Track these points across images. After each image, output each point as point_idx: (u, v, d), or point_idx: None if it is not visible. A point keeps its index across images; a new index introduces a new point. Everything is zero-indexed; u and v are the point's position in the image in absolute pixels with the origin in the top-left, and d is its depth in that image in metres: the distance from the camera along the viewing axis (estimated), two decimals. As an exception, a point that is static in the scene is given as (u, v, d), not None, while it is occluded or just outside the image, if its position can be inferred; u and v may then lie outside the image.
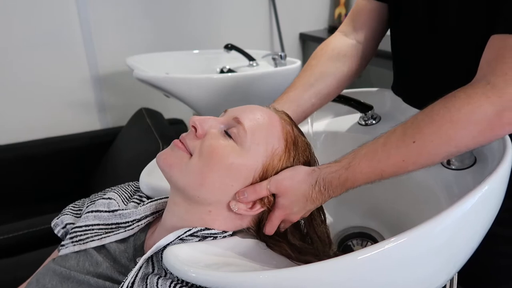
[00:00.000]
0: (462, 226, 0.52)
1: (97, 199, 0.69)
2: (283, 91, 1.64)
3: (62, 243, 0.66)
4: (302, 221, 0.65)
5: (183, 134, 0.60)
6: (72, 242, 0.64)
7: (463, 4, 0.65)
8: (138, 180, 0.75)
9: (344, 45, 0.83)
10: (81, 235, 0.64)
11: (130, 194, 0.73)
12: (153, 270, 0.56)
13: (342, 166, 0.58)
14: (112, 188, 0.74)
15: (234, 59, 1.74)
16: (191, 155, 0.58)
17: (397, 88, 0.88)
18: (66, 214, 0.71)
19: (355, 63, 0.83)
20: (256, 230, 0.62)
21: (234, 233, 0.61)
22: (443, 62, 0.73)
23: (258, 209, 0.58)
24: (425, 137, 0.54)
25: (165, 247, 0.55)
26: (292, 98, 0.76)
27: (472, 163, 0.68)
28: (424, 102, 0.57)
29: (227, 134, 0.58)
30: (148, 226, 0.66)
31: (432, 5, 0.70)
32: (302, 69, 0.82)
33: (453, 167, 0.69)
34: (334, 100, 0.85)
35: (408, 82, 0.83)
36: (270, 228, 0.60)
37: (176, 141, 0.60)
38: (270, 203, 0.59)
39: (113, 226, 0.64)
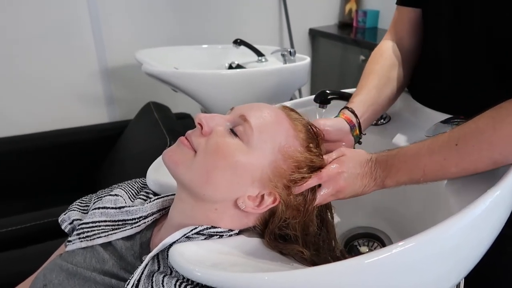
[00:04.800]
0: (472, 231, 0.51)
1: (104, 196, 0.69)
2: (291, 88, 1.62)
3: (69, 239, 0.66)
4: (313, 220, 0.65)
5: (189, 131, 0.60)
6: (79, 238, 0.64)
7: (487, 10, 0.66)
8: (144, 174, 0.75)
9: (398, 52, 0.85)
10: (88, 231, 0.64)
11: (137, 191, 0.73)
12: (159, 268, 0.55)
13: (391, 152, 0.62)
14: (119, 184, 0.74)
15: (243, 55, 1.74)
16: (195, 152, 0.57)
17: (419, 92, 0.87)
18: (73, 210, 0.72)
19: (408, 69, 0.85)
20: (263, 229, 0.61)
21: (240, 232, 0.60)
22: (467, 68, 0.73)
23: (266, 206, 0.57)
24: (467, 141, 0.56)
25: (171, 245, 0.55)
26: (370, 102, 0.77)
27: (483, 166, 0.67)
28: (449, 108, 0.58)
29: (233, 132, 0.58)
30: (154, 223, 0.66)
31: (456, 12, 0.71)
32: (366, 73, 0.82)
33: (464, 169, 0.68)
34: (345, 99, 0.84)
35: (433, 87, 0.83)
36: (318, 177, 0.60)
37: (181, 138, 0.59)
38: (277, 200, 0.58)
39: (120, 223, 0.64)
